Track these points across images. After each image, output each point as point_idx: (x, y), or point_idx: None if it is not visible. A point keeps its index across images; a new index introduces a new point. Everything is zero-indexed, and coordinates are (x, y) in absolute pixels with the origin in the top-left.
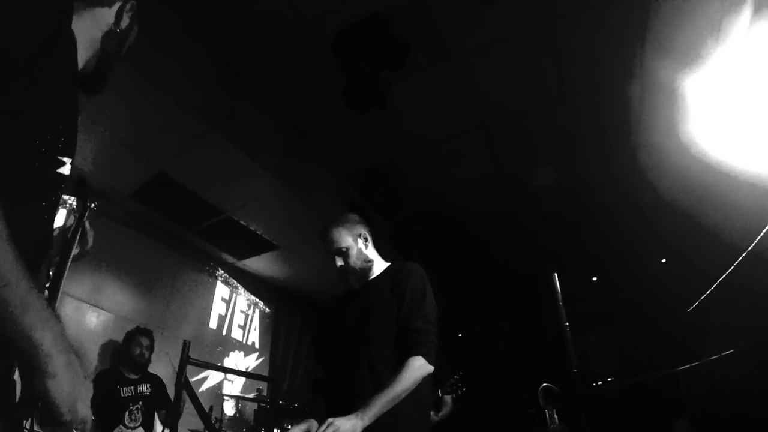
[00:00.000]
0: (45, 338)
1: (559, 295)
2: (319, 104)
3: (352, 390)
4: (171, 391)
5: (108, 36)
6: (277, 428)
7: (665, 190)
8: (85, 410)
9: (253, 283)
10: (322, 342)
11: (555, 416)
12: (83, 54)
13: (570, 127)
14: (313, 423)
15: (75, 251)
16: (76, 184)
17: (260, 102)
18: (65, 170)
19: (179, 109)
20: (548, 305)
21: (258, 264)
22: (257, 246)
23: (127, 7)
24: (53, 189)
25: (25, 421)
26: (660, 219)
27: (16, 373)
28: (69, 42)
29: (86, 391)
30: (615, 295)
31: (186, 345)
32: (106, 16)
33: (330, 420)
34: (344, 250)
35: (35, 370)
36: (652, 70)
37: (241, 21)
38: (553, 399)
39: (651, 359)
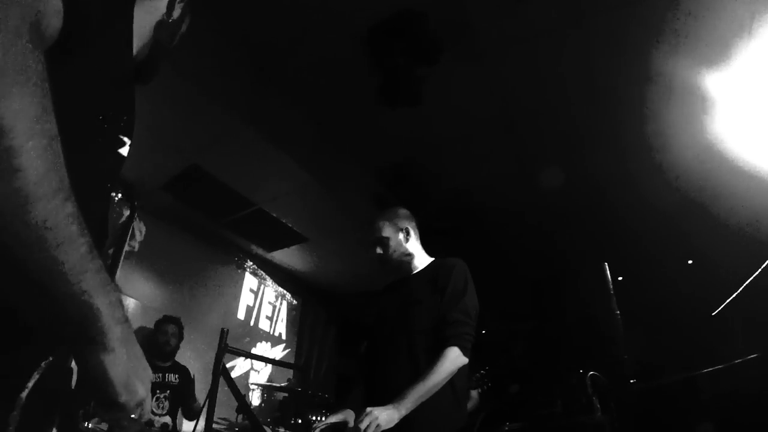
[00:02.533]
0: (102, 306)
1: (611, 284)
2: (348, 99)
3: (392, 380)
4: (201, 381)
5: (160, 26)
6: (304, 418)
7: (689, 191)
8: (143, 390)
9: (280, 275)
10: (348, 335)
11: (597, 405)
12: (137, 42)
13: (595, 127)
14: (350, 413)
15: (126, 248)
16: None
17: (290, 97)
18: (124, 151)
19: (210, 103)
20: (599, 294)
21: (286, 256)
22: (287, 238)
23: None
24: (113, 170)
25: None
26: (684, 220)
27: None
28: (130, 23)
29: (143, 370)
30: (637, 298)
31: (224, 333)
32: (159, 5)
33: (369, 409)
34: (384, 239)
35: (89, 344)
36: (678, 69)
37: (270, 14)
38: (599, 388)
39: (672, 362)
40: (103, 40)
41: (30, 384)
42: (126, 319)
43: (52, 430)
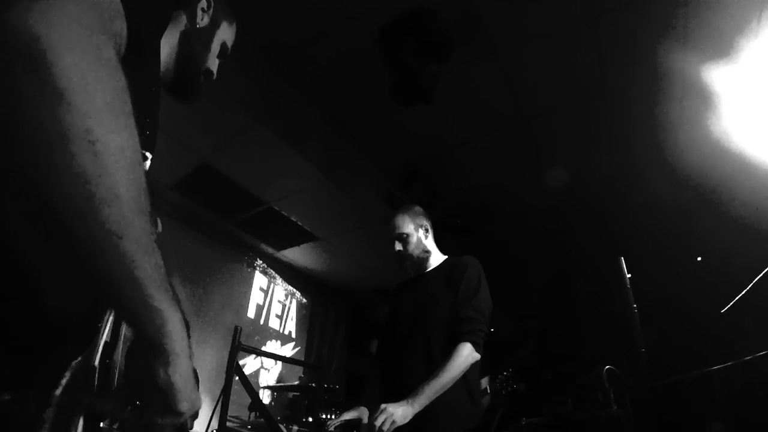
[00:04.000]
0: (170, 316)
1: (627, 279)
2: (361, 97)
3: (408, 378)
4: (211, 380)
5: (186, 36)
6: (315, 417)
7: (698, 188)
8: (199, 400)
9: (290, 274)
10: (358, 334)
11: (613, 399)
12: (162, 57)
13: (607, 124)
14: (364, 410)
15: None
16: None
17: (303, 94)
18: (146, 165)
19: (224, 100)
20: (615, 289)
21: (296, 255)
22: (297, 236)
23: (203, 5)
24: None
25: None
26: (694, 218)
27: (97, 359)
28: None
29: (196, 378)
30: (647, 295)
31: (237, 331)
32: (180, 17)
33: (383, 406)
34: (404, 236)
35: (155, 350)
36: (687, 67)
37: (284, 13)
38: (615, 382)
39: (683, 359)
40: (143, 58)
41: (63, 382)
42: (186, 326)
43: (78, 428)
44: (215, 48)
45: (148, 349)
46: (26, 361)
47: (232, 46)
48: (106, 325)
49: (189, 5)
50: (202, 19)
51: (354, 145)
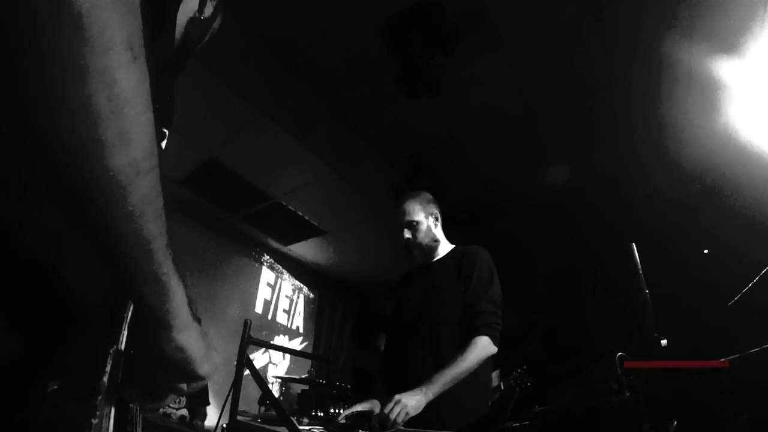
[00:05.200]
0: (176, 287)
1: (639, 265)
2: (367, 91)
3: (415, 368)
4: (221, 375)
5: (192, 22)
6: (325, 411)
7: (704, 181)
8: (218, 357)
9: (297, 269)
10: (366, 328)
11: (625, 387)
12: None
13: (612, 117)
14: (375, 402)
15: None
16: None
17: (310, 88)
18: (163, 144)
19: (231, 95)
20: (630, 274)
21: (303, 249)
22: (304, 231)
23: None
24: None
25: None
26: (700, 210)
27: (122, 347)
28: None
29: (210, 338)
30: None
31: (247, 324)
32: (192, 3)
33: (397, 397)
34: (414, 224)
35: (161, 326)
36: (693, 60)
37: (290, 7)
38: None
39: (690, 353)
40: (162, 26)
41: (108, 369)
42: (190, 299)
43: (111, 415)
44: (205, 39)
45: (153, 326)
46: (69, 350)
47: (241, 40)
48: (128, 315)
49: None
50: (208, 9)
51: (360, 138)
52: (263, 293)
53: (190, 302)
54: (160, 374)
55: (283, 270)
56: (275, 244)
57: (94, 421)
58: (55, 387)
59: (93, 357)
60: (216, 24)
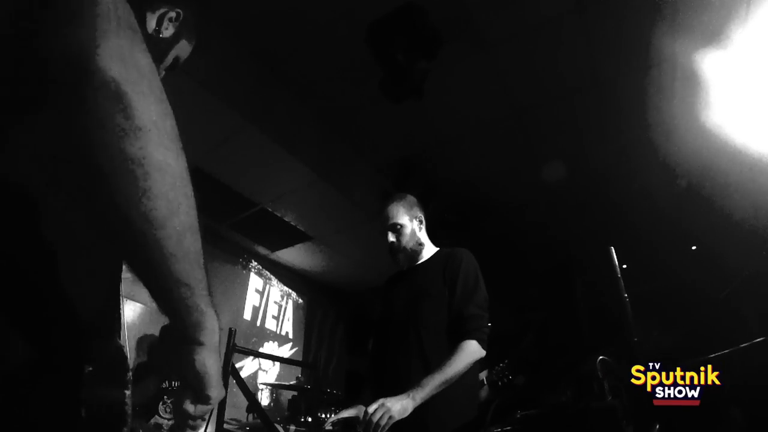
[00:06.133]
0: (209, 314)
1: (618, 269)
2: (353, 96)
3: (401, 373)
4: None
5: (148, 40)
6: (314, 416)
7: (691, 179)
8: (224, 389)
9: (286, 275)
10: (357, 333)
11: (608, 391)
12: None
13: (598, 116)
14: (362, 409)
15: None
16: None
17: (294, 95)
18: None
19: (215, 104)
20: (608, 278)
21: (291, 255)
22: (291, 237)
23: (171, 15)
24: None
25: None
26: (687, 208)
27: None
28: None
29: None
30: (644, 286)
31: (232, 333)
32: (152, 20)
33: (381, 400)
34: (398, 227)
35: (195, 344)
36: (678, 57)
37: (274, 14)
38: (609, 373)
39: (683, 348)
40: None
41: (132, 365)
42: (218, 326)
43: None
44: (168, 60)
45: (187, 342)
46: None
47: (223, 48)
48: (120, 318)
49: (158, 11)
50: (166, 29)
51: (347, 143)
52: (252, 300)
53: (218, 329)
54: (179, 387)
55: (272, 276)
56: (263, 251)
57: (127, 393)
58: (90, 369)
59: (104, 356)
60: (182, 51)
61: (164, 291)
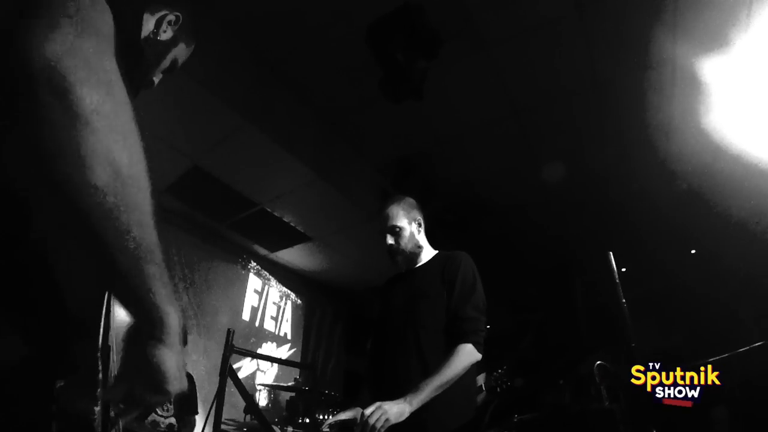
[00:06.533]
0: (171, 312)
1: (616, 273)
2: (352, 96)
3: (399, 375)
4: (208, 383)
5: (146, 42)
6: (312, 417)
7: (690, 181)
8: (185, 383)
9: (285, 275)
10: (356, 332)
11: (605, 395)
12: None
13: (598, 117)
14: (359, 411)
15: None
16: None
17: (294, 94)
18: None
19: (215, 103)
20: (605, 283)
21: (290, 256)
22: (290, 238)
23: (171, 18)
24: None
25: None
26: (686, 210)
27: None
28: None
29: (185, 366)
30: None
31: (230, 333)
32: (150, 21)
33: (378, 403)
34: (397, 229)
35: (155, 339)
36: (678, 58)
37: (274, 14)
38: (607, 377)
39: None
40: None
41: (100, 367)
42: (181, 322)
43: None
44: (165, 63)
45: (148, 338)
46: (70, 352)
47: (222, 48)
48: (102, 320)
49: (157, 14)
50: (164, 32)
51: (347, 143)
52: (250, 300)
53: (184, 326)
54: (138, 381)
55: (270, 277)
56: (262, 251)
57: (97, 409)
58: (62, 383)
59: (90, 356)
60: (180, 54)
61: (112, 286)
